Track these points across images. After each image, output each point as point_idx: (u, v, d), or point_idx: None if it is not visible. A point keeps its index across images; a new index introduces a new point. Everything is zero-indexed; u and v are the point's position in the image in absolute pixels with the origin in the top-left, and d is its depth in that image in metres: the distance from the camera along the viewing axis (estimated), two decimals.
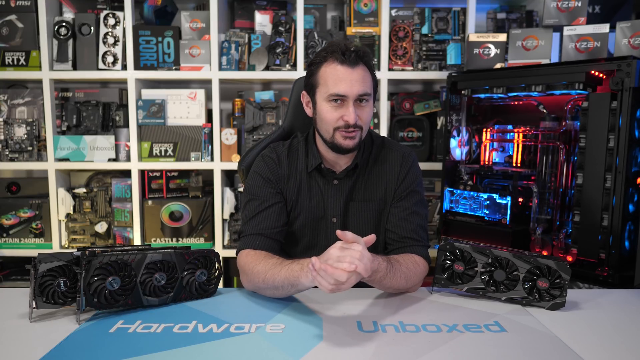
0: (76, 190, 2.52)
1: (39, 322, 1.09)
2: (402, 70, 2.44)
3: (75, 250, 1.12)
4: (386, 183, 1.40)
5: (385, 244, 1.40)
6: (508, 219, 1.87)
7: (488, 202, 1.93)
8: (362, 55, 1.28)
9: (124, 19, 2.40)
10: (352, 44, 1.29)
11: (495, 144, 2.06)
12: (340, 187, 1.39)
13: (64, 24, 2.38)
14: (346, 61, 1.25)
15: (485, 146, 2.08)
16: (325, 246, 1.09)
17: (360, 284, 1.21)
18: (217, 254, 1.25)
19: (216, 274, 1.24)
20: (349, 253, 1.02)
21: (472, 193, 1.99)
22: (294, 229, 1.41)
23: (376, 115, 2.48)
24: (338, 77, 1.26)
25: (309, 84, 1.34)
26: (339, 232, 1.06)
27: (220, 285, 1.29)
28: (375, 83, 1.35)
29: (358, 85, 1.26)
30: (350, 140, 1.29)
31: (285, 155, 1.41)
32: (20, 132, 2.46)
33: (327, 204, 1.39)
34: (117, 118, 2.52)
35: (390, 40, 2.44)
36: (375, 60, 2.43)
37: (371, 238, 1.10)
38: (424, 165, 2.44)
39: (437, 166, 2.40)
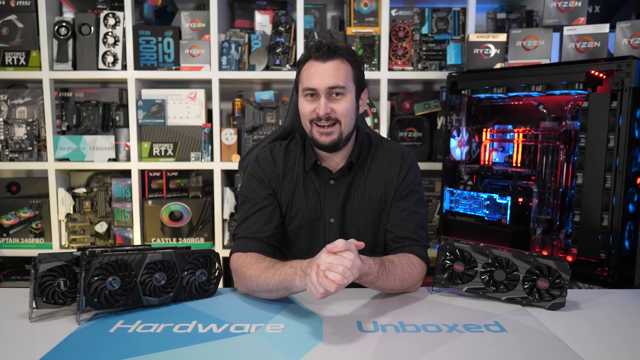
0: (76, 190, 2.52)
1: (39, 322, 1.09)
2: (402, 70, 2.44)
3: (75, 250, 1.12)
4: (386, 182, 1.39)
5: (385, 244, 1.39)
6: (508, 219, 1.87)
7: (488, 202, 1.93)
8: (336, 49, 1.29)
9: (124, 19, 2.40)
10: (332, 41, 1.31)
11: (495, 144, 2.06)
12: (337, 186, 1.38)
13: (64, 24, 2.38)
14: (319, 57, 1.28)
15: (485, 146, 2.08)
16: (322, 247, 1.07)
17: (360, 285, 1.21)
18: (217, 254, 1.25)
19: (216, 274, 1.24)
20: (341, 262, 1.01)
21: (472, 193, 1.99)
22: (290, 230, 1.40)
23: (376, 115, 2.48)
24: (311, 72, 1.29)
25: (295, 84, 1.39)
26: (329, 246, 1.04)
27: (220, 285, 1.29)
28: (358, 77, 1.34)
29: (328, 78, 1.27)
30: (326, 137, 1.30)
31: (281, 155, 1.40)
32: (20, 132, 2.46)
33: (324, 205, 1.38)
34: (117, 118, 2.52)
35: (390, 40, 2.44)
36: (375, 60, 2.43)
37: (360, 244, 1.09)
38: (424, 165, 2.44)
39: (437, 166, 2.40)
